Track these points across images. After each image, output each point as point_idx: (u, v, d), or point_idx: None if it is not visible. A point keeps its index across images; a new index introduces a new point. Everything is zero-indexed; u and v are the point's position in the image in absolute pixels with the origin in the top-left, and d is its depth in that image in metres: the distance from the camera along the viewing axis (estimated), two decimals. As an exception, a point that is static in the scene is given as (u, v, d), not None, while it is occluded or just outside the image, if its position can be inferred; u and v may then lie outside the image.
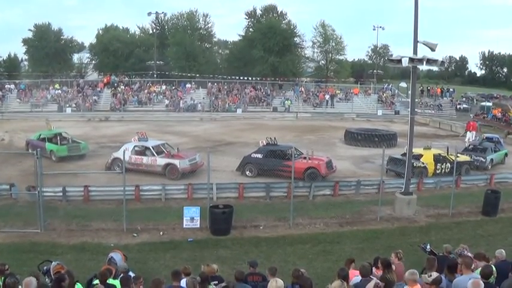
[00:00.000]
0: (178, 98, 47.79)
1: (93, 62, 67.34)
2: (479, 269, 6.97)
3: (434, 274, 6.55)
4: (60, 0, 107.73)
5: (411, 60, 15.12)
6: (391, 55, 31.99)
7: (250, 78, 55.15)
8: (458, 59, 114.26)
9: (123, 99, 46.46)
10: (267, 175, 19.90)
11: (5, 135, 31.01)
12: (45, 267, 8.40)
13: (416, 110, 29.64)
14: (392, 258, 8.70)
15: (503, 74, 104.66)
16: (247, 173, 21.01)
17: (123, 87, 50.25)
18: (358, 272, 7.60)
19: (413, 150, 17.70)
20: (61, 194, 16.66)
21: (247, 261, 9.15)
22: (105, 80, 53.27)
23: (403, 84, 55.34)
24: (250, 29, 65.67)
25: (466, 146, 25.68)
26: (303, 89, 55.00)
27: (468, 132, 32.35)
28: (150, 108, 46.34)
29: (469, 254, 8.62)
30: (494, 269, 7.44)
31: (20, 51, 65.03)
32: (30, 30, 60.64)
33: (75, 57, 68.45)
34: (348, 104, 50.28)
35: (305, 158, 20.60)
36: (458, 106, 52.00)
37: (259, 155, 21.06)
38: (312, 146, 24.51)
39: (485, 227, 14.98)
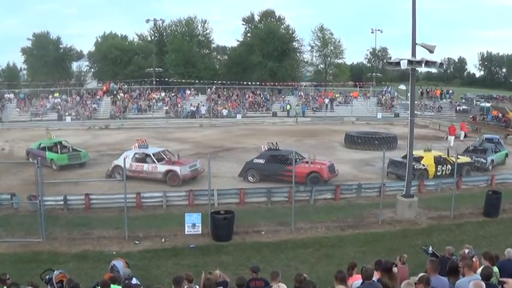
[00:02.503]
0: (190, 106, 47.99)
1: (92, 70, 67.49)
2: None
3: (421, 274, 6.57)
4: (59, 8, 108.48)
5: (410, 62, 15.14)
6: (390, 58, 32.09)
7: (249, 84, 55.24)
8: (457, 60, 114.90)
9: (123, 106, 46.57)
10: (270, 180, 19.88)
11: (5, 144, 31.01)
12: (47, 277, 8.40)
13: (416, 112, 29.59)
14: (396, 262, 8.71)
15: (502, 74, 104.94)
16: (250, 178, 21.01)
17: (122, 94, 50.36)
18: (360, 276, 7.59)
19: (413, 153, 17.70)
20: (62, 202, 16.66)
21: (249, 267, 9.14)
22: (104, 88, 53.38)
23: (403, 87, 55.48)
24: (249, 35, 65.82)
25: (467, 147, 25.59)
26: (302, 93, 55.08)
27: (449, 136, 31.78)
28: (150, 116, 46.43)
29: (474, 255, 8.64)
30: (496, 269, 7.43)
31: (19, 61, 65.59)
32: (29, 39, 60.99)
33: (74, 66, 68.69)
34: (348, 108, 50.32)
35: (307, 162, 20.62)
36: (457, 107, 52.05)
37: (261, 161, 21.05)
38: (313, 150, 24.53)
39: (487, 228, 14.96)
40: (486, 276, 6.53)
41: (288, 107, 48.53)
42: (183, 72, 57.61)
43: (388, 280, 7.13)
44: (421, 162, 21.23)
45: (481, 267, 7.11)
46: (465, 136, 34.43)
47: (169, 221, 15.23)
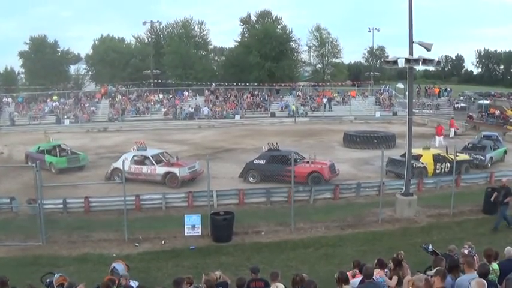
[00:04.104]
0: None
1: (90, 73, 67.38)
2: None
3: (438, 268, 6.66)
4: (56, 12, 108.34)
5: (407, 61, 15.16)
6: (387, 56, 31.98)
7: (247, 84, 55.19)
8: (454, 58, 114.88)
9: (121, 109, 46.57)
10: (270, 181, 19.91)
11: (4, 148, 30.95)
12: (47, 280, 8.40)
13: (414, 110, 29.53)
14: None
15: (500, 71, 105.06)
16: (251, 179, 21.00)
17: (120, 97, 50.30)
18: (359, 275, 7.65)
19: (412, 151, 17.71)
20: (61, 206, 16.66)
21: (249, 268, 9.14)
22: (102, 90, 53.36)
23: (400, 85, 55.44)
24: (246, 35, 65.78)
25: (466, 145, 25.55)
26: (300, 93, 55.06)
27: (437, 137, 30.93)
28: (148, 117, 46.40)
29: (475, 254, 8.65)
30: (496, 266, 7.44)
31: (17, 65, 65.22)
32: (26, 43, 60.87)
33: (72, 69, 68.59)
34: (346, 107, 50.35)
35: (308, 162, 20.63)
36: (456, 105, 52.06)
37: (261, 161, 21.04)
38: (311, 150, 24.52)
39: (487, 225, 14.92)
40: (483, 274, 6.54)
41: (293, 107, 48.18)
42: (181, 74, 57.50)
43: (400, 271, 7.22)
44: (420, 160, 21.24)
45: (478, 265, 7.12)
46: (455, 133, 34.48)
47: (168, 223, 15.23)
